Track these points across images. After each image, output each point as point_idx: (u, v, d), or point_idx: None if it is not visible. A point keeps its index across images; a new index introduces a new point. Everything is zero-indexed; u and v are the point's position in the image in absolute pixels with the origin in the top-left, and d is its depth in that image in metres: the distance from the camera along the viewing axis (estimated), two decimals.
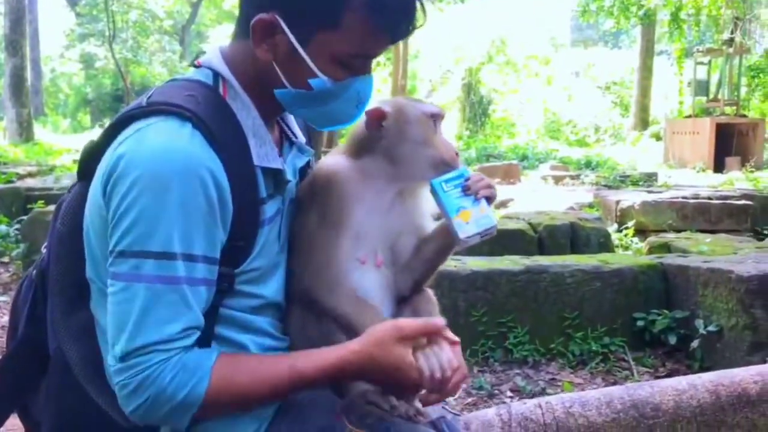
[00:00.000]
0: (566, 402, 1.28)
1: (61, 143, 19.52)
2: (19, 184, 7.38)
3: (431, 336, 1.21)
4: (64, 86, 36.45)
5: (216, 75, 1.26)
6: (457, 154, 1.37)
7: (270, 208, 1.27)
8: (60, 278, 1.27)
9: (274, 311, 1.32)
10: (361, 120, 1.37)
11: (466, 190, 1.31)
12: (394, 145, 1.37)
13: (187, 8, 33.27)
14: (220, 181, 1.13)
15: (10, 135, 18.89)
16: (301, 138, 1.41)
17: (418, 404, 1.34)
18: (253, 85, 1.26)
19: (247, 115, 1.24)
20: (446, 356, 1.19)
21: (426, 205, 1.44)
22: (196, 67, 1.29)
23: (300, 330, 1.32)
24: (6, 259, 5.43)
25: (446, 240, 1.40)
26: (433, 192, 1.33)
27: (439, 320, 1.24)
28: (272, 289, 1.30)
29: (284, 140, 1.38)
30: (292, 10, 1.18)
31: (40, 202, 5.90)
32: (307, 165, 1.42)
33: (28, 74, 20.48)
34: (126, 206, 1.09)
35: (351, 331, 1.28)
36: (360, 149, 1.39)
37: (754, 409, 1.26)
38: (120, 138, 1.16)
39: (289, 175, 1.31)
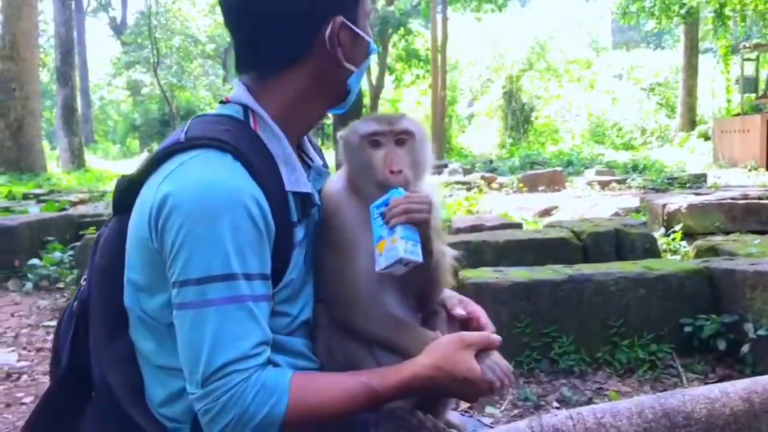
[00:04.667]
0: (598, 413, 1.28)
1: (111, 169, 20.10)
2: (71, 211, 7.62)
3: (489, 348, 1.27)
4: (112, 113, 37.55)
5: (246, 109, 1.31)
6: (393, 171, 1.33)
7: (299, 231, 1.32)
8: (101, 309, 1.33)
9: (304, 330, 1.36)
10: None
11: (384, 218, 1.28)
12: (350, 169, 1.41)
13: (228, 32, 33.95)
14: (263, 206, 1.19)
15: (63, 163, 19.55)
16: (318, 161, 1.46)
17: (450, 416, 1.35)
18: (282, 114, 1.32)
19: (278, 145, 1.30)
20: (505, 365, 1.25)
21: None
22: (224, 102, 1.36)
23: (327, 353, 1.35)
24: (61, 285, 5.61)
25: None
26: None
27: (497, 336, 1.30)
28: (300, 307, 1.35)
29: (303, 165, 1.42)
30: (343, 3, 1.31)
31: (91, 228, 6.08)
32: None
33: (78, 104, 21.15)
34: (182, 239, 1.15)
35: (394, 353, 1.32)
36: (345, 174, 1.44)
37: None
38: (162, 173, 1.22)
39: (316, 199, 1.36)
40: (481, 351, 1.25)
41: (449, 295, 1.50)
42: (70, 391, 1.38)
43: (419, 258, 1.26)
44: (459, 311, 1.44)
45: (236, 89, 1.35)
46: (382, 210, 1.29)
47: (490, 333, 1.32)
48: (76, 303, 1.40)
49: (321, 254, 1.37)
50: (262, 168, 1.23)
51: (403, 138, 1.37)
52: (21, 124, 15.93)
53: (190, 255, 1.14)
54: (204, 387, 1.14)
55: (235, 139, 1.23)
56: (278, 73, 1.32)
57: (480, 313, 1.48)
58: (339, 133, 1.44)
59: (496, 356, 1.26)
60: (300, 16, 1.29)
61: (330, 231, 1.36)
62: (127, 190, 1.29)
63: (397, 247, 1.24)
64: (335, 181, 1.44)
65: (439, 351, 1.23)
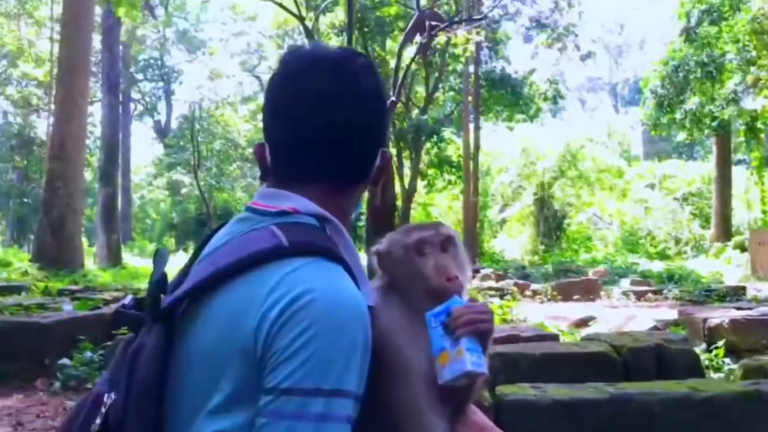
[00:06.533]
0: None
1: (147, 266, 20.36)
2: (104, 310, 7.63)
3: None
4: (151, 212, 38.49)
5: (320, 220, 1.27)
6: (450, 278, 1.32)
7: None
8: (143, 430, 1.18)
9: None
10: None
11: (446, 329, 1.24)
12: (393, 281, 1.39)
13: None
14: (370, 323, 1.15)
15: (100, 260, 19.91)
16: None
17: None
18: (344, 223, 1.31)
19: (350, 256, 1.25)
20: None
21: None
22: (285, 212, 1.27)
23: None
24: (90, 386, 5.55)
25: None
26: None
27: None
28: None
29: None
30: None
31: (123, 328, 6.08)
32: None
33: (119, 202, 21.75)
34: (300, 344, 1.07)
35: None
36: (385, 285, 1.41)
37: None
38: (272, 274, 1.13)
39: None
40: None
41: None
42: None
43: (485, 370, 1.22)
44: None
45: (298, 200, 1.28)
46: (442, 319, 1.25)
47: None
48: (98, 422, 1.19)
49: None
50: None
51: (446, 244, 1.37)
52: (63, 222, 16.34)
53: (305, 361, 1.06)
54: None
55: (339, 249, 1.20)
56: (347, 187, 1.33)
57: None
58: (374, 247, 1.43)
59: None
60: (379, 137, 1.33)
61: (374, 351, 1.26)
62: (187, 297, 1.19)
63: (464, 359, 1.21)
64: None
65: None
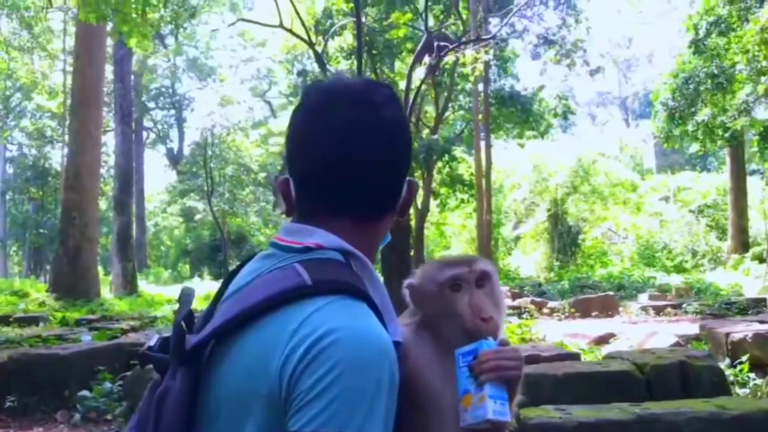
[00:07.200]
0: None
1: (163, 293, 20.42)
2: (122, 339, 7.64)
3: None
4: (165, 239, 38.66)
5: (345, 255, 1.24)
6: (485, 318, 1.28)
7: None
8: None
9: None
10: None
11: (471, 371, 1.20)
12: (425, 316, 1.35)
13: (279, 160, 35.30)
14: (396, 364, 1.12)
15: (116, 288, 19.98)
16: None
17: None
18: (371, 257, 1.28)
19: (375, 292, 1.22)
20: None
21: None
22: (308, 249, 1.24)
23: None
24: (109, 417, 5.54)
25: None
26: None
27: None
28: None
29: None
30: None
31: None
32: None
33: (134, 230, 21.86)
34: (324, 386, 1.03)
35: None
36: (417, 320, 1.38)
37: None
38: (296, 314, 1.10)
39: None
40: None
41: None
42: None
43: (508, 418, 1.18)
44: None
45: (323, 235, 1.25)
46: (469, 360, 1.22)
47: None
48: None
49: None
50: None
51: (482, 280, 1.34)
52: (78, 251, 16.43)
53: (329, 404, 1.03)
54: None
55: (364, 286, 1.17)
56: (374, 220, 1.29)
57: None
58: (407, 281, 1.40)
59: None
60: (404, 167, 1.30)
61: (405, 389, 1.23)
62: (212, 338, 1.16)
63: (486, 406, 1.17)
64: (402, 327, 1.38)
65: None
